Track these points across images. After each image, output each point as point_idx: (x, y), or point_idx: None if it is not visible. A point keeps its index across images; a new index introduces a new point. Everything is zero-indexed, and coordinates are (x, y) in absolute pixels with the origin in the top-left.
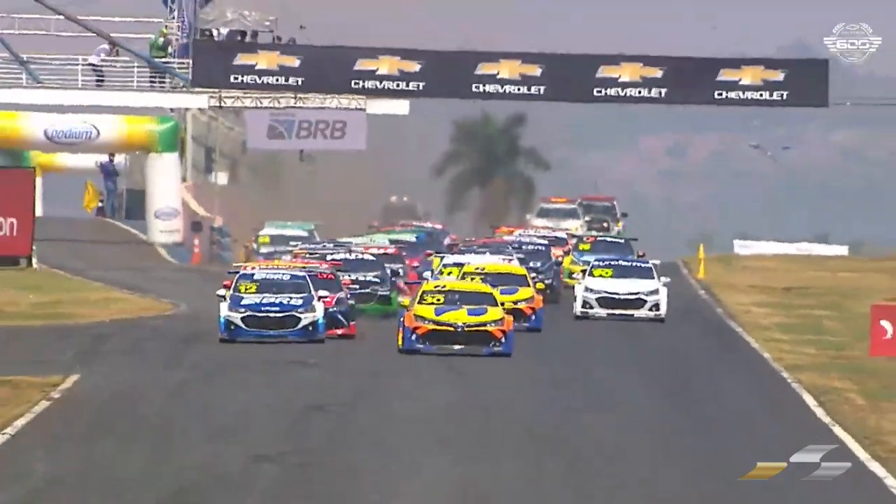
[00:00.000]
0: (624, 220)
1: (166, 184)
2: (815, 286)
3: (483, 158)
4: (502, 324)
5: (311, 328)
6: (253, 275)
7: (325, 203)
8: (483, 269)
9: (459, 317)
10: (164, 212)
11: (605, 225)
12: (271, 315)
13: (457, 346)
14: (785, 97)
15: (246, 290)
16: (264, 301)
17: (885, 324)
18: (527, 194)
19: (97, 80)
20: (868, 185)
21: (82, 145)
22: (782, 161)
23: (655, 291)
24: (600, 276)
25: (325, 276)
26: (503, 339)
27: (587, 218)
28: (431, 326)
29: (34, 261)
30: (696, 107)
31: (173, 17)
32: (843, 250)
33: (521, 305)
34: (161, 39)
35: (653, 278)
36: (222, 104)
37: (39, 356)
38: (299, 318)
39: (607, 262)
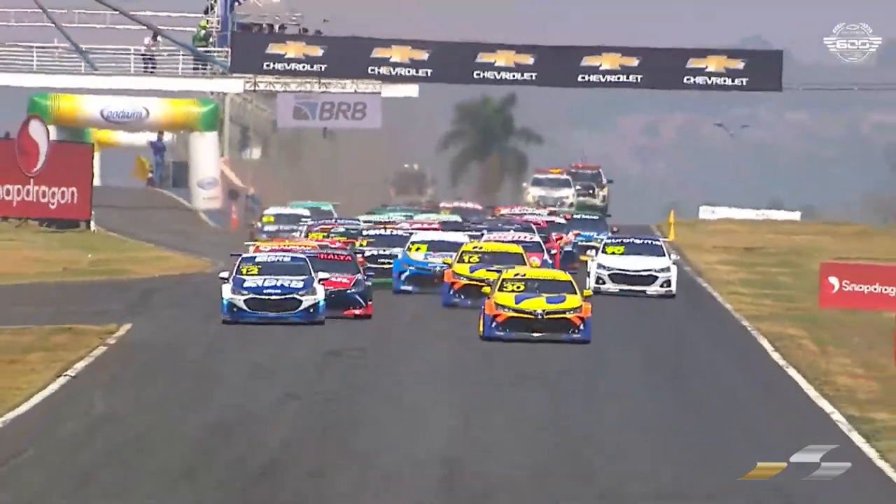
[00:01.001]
0: (608, 187)
1: (207, 158)
2: (771, 246)
3: (481, 136)
4: (580, 311)
5: (311, 310)
6: (255, 258)
7: (345, 175)
8: (481, 248)
9: (538, 304)
10: (206, 182)
11: (591, 191)
12: (273, 298)
13: (536, 334)
14: (744, 83)
15: (248, 272)
16: (266, 284)
17: (833, 279)
18: (520, 168)
19: (147, 67)
20: (816, 158)
21: (134, 124)
22: (741, 138)
23: (667, 269)
24: (612, 253)
25: (342, 257)
26: (581, 327)
27: (578, 187)
28: (511, 314)
29: (92, 224)
30: (667, 91)
31: (213, 13)
32: (795, 215)
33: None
34: (202, 32)
35: (663, 255)
36: (256, 88)
37: (97, 307)
38: (300, 301)
39: (619, 240)
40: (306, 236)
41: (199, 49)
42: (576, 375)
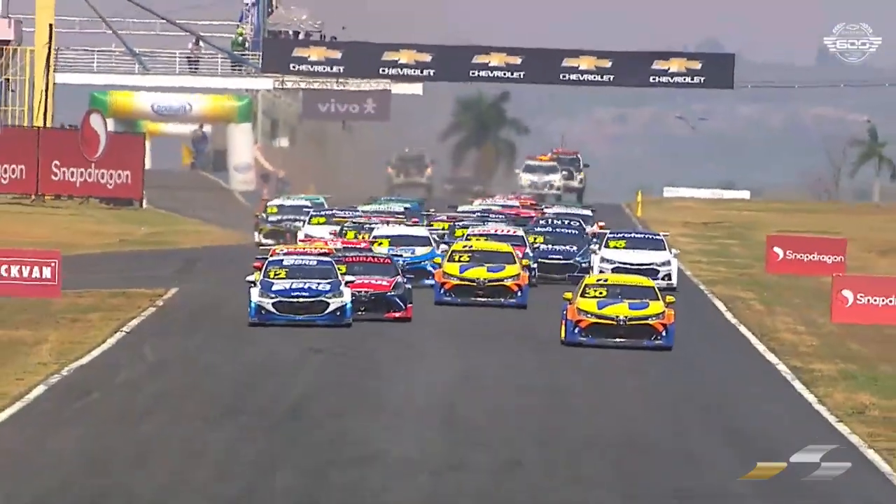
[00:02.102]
0: (585, 171)
1: (242, 146)
2: (725, 221)
3: (477, 127)
4: (663, 317)
5: (338, 313)
6: (282, 261)
7: (359, 161)
8: (471, 247)
9: (621, 310)
10: (241, 166)
11: (570, 175)
12: (301, 300)
13: (619, 339)
14: (702, 81)
15: (275, 275)
16: (294, 287)
17: (777, 249)
18: (510, 154)
19: (190, 68)
20: (763, 145)
21: (180, 117)
22: (699, 128)
23: (667, 262)
24: (615, 247)
25: (381, 260)
26: (664, 333)
27: (564, 172)
28: (593, 320)
29: (144, 202)
30: (635, 88)
31: (248, 22)
32: (745, 194)
33: (509, 283)
34: (239, 38)
35: (664, 250)
36: (284, 86)
37: (148, 273)
38: (328, 304)
39: (621, 235)
40: (309, 222)
41: (236, 53)
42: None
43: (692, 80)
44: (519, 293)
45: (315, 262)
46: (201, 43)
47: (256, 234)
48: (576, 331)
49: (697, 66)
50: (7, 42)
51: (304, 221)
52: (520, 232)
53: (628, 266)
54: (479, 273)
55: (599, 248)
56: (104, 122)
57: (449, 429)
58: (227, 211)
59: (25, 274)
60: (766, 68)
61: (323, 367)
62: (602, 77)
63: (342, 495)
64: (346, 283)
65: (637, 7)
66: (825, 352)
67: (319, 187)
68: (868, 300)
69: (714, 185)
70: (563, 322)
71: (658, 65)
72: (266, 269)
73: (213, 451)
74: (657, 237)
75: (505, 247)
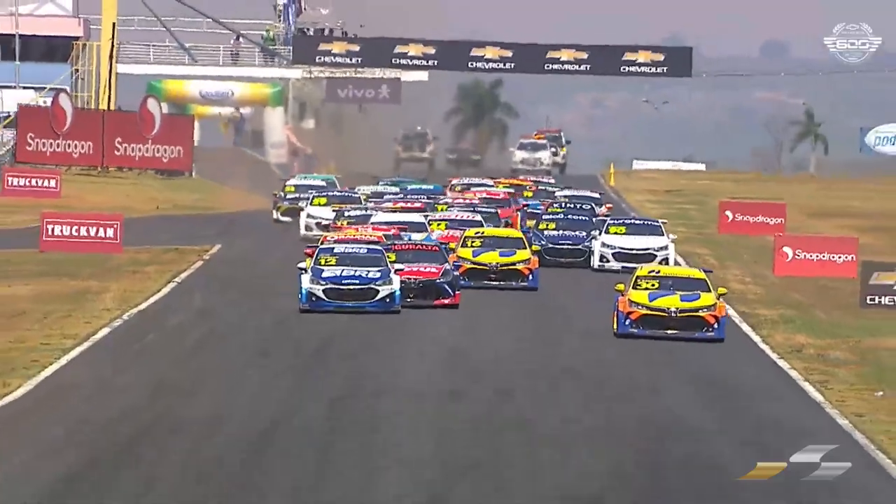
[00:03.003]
0: (567, 147)
1: (275, 126)
2: (684, 189)
3: (475, 110)
4: (714, 309)
5: (388, 300)
6: (333, 248)
7: (373, 139)
8: (483, 233)
9: (672, 302)
10: (275, 143)
11: (553, 150)
12: (351, 287)
13: (670, 331)
14: (665, 70)
15: (326, 262)
16: (344, 274)
17: (728, 213)
18: (503, 134)
19: (232, 60)
20: (715, 125)
21: (223, 101)
22: (663, 111)
23: (665, 247)
24: (615, 233)
25: (431, 248)
26: (716, 325)
27: (553, 149)
28: (645, 311)
29: (193, 173)
30: (609, 76)
31: (280, 20)
32: (701, 167)
33: (520, 266)
34: (272, 34)
35: (662, 235)
36: (311, 75)
37: (196, 233)
38: (377, 291)
39: (621, 221)
40: (311, 203)
41: (269, 47)
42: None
43: (656, 69)
44: (530, 276)
45: (365, 251)
46: (241, 38)
47: (274, 211)
48: (627, 322)
49: (661, 57)
50: (77, 38)
51: (308, 201)
52: (478, 217)
53: (628, 251)
54: (492, 258)
55: (600, 234)
56: (159, 105)
57: (452, 367)
58: (263, 181)
59: (93, 233)
60: (719, 60)
61: (344, 318)
62: (580, 67)
63: (362, 419)
64: (395, 270)
65: (611, 5)
66: (768, 299)
67: (340, 163)
68: (805, 256)
69: (675, 159)
70: (615, 313)
71: (628, 56)
72: (317, 256)
73: (252, 383)
74: (655, 223)
75: (516, 233)
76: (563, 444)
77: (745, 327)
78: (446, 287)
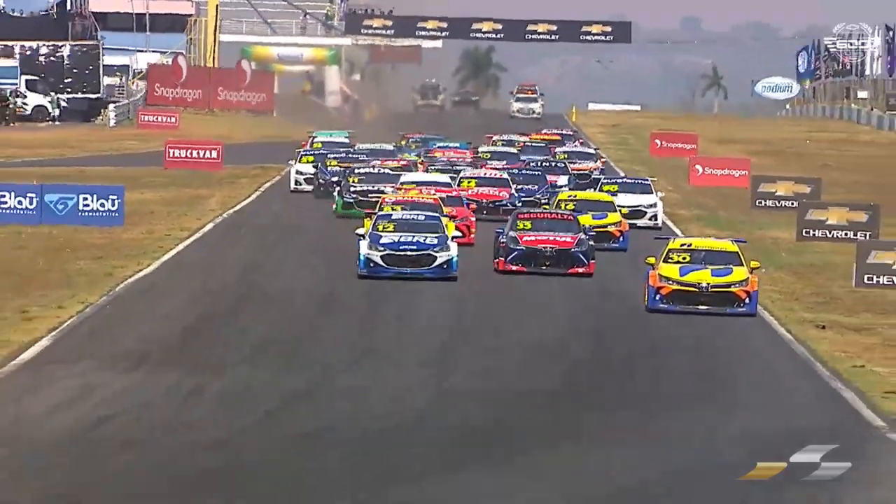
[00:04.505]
0: (541, 98)
1: (332, 80)
2: (624, 124)
3: (475, 67)
4: (746, 284)
5: (445, 266)
6: (391, 215)
7: (401, 89)
8: (575, 196)
9: (703, 277)
10: (332, 92)
11: (542, 102)
12: (409, 254)
13: (701, 307)
14: (612, 39)
15: (384, 228)
16: (402, 240)
17: (657, 141)
18: (495, 85)
19: (301, 31)
20: (649, 78)
21: (294, 62)
22: (611, 68)
23: (654, 204)
24: (608, 191)
25: (566, 217)
26: (747, 300)
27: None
28: (675, 287)
29: (274, 113)
30: (572, 43)
31: (335, 2)
32: (637, 108)
33: (611, 228)
34: (330, 13)
35: (651, 193)
36: (357, 43)
37: (275, 156)
38: (435, 257)
39: (613, 180)
40: (299, 160)
41: (328, 22)
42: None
43: (606, 38)
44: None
45: (423, 217)
46: (307, 16)
47: (292, 161)
48: (657, 297)
49: (609, 29)
50: (190, 15)
51: (296, 158)
52: (504, 175)
53: (619, 208)
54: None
55: (595, 191)
56: (249, 64)
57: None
58: (324, 118)
59: (202, 155)
60: (651, 31)
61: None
62: (551, 37)
63: (397, 290)
64: (453, 238)
65: None
66: (685, 203)
67: (379, 106)
68: (711, 171)
69: (618, 102)
70: (646, 287)
71: (585, 28)
72: (375, 222)
73: (313, 266)
74: (645, 182)
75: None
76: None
77: (670, 223)
78: (581, 256)
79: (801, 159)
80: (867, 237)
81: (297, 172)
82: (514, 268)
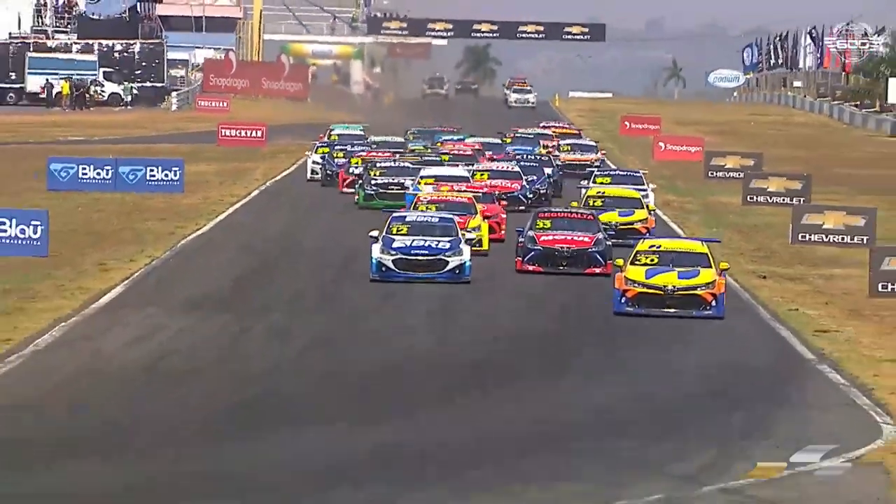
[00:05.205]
0: (534, 91)
1: (356, 71)
2: (600, 109)
3: (475, 61)
4: (713, 287)
5: (457, 270)
6: (405, 216)
7: (413, 81)
8: (604, 193)
9: (669, 279)
10: (356, 82)
11: (535, 93)
12: (420, 258)
13: (666, 310)
14: (589, 38)
15: (398, 231)
16: (414, 244)
17: (627, 123)
18: (492, 77)
19: (330, 31)
20: (620, 71)
21: (326, 56)
22: (589, 63)
23: (646, 195)
24: (601, 182)
25: (585, 216)
26: (714, 303)
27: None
28: (640, 290)
29: (308, 99)
30: (556, 41)
31: (359, 7)
32: (609, 95)
33: (637, 225)
34: (355, 16)
35: (643, 184)
36: (378, 41)
37: (310, 135)
38: (447, 262)
39: (607, 172)
40: (315, 151)
41: (353, 24)
42: None
43: (584, 37)
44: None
45: (437, 220)
46: (336, 19)
47: (310, 152)
48: (623, 300)
49: (587, 30)
50: (239, 18)
51: (312, 150)
52: (516, 168)
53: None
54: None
55: (589, 183)
56: (288, 59)
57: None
58: (350, 105)
59: (248, 134)
60: (622, 31)
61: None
62: (539, 36)
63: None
64: (468, 241)
65: None
66: (650, 175)
67: (396, 94)
68: (671, 148)
69: (594, 90)
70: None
71: (567, 29)
72: (389, 224)
73: (341, 227)
74: (637, 174)
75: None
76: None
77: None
78: (598, 256)
79: (745, 137)
80: (801, 202)
81: (313, 162)
82: (531, 268)
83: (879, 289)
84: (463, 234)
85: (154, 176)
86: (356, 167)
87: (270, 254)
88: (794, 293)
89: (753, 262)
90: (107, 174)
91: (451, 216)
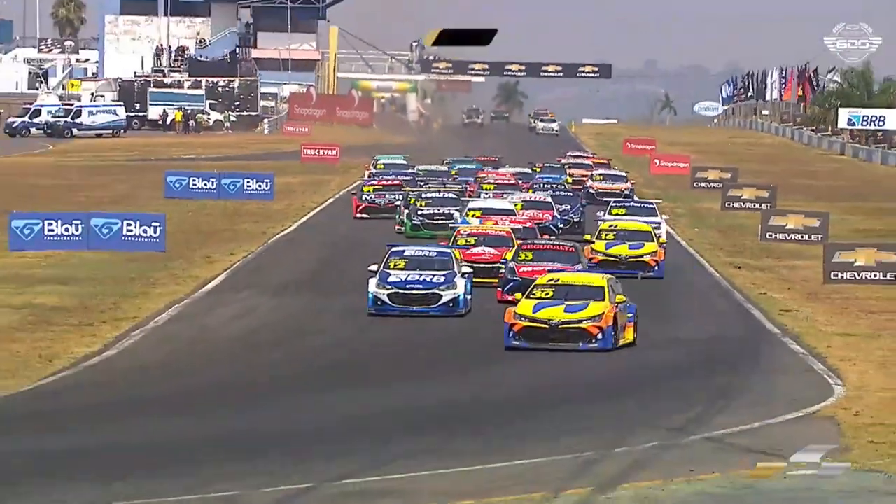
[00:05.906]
0: (557, 120)
1: (411, 102)
2: (607, 133)
3: (505, 95)
4: (600, 320)
5: (451, 304)
6: (404, 251)
7: (458, 111)
8: (616, 226)
9: (555, 314)
10: (411, 111)
11: (560, 122)
12: (414, 292)
13: (552, 343)
14: (599, 75)
15: (395, 266)
16: (409, 279)
17: (628, 143)
18: (520, 107)
19: (390, 70)
20: (622, 103)
21: (388, 90)
22: (598, 96)
23: (658, 226)
24: (616, 214)
25: (567, 249)
26: (600, 335)
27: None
28: (526, 323)
29: (374, 125)
30: (571, 77)
31: (414, 51)
32: (615, 121)
33: (646, 258)
34: (410, 58)
35: (656, 216)
36: (429, 78)
37: (371, 154)
38: (440, 296)
39: (622, 204)
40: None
41: (408, 65)
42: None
43: (594, 75)
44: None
45: (434, 254)
46: (394, 59)
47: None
48: (511, 335)
49: (597, 69)
50: (318, 60)
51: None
52: (548, 198)
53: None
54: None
55: (604, 214)
56: (357, 92)
57: None
58: (406, 130)
59: (326, 153)
60: (624, 69)
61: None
62: (558, 74)
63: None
64: (464, 274)
65: (573, 41)
66: (648, 185)
67: (443, 121)
68: (664, 164)
69: (602, 118)
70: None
71: (581, 69)
72: (387, 259)
73: (384, 229)
74: (650, 205)
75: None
76: None
77: (635, 198)
78: None
79: (724, 155)
80: (768, 207)
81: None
82: (510, 298)
83: (832, 277)
84: (459, 268)
85: (250, 186)
86: (368, 195)
87: (342, 247)
88: (762, 280)
89: (730, 256)
90: (212, 185)
91: (448, 250)
